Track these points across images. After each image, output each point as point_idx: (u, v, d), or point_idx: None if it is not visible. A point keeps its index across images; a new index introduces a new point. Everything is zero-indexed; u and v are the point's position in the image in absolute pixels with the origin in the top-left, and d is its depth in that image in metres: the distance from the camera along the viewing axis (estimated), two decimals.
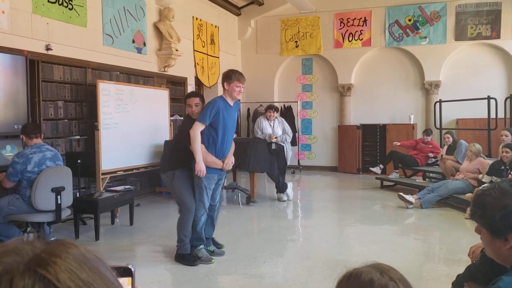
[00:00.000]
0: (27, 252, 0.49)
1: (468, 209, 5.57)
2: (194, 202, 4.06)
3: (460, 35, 9.55)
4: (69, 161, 5.53)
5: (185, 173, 4.09)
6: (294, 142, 9.44)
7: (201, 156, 3.87)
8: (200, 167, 3.86)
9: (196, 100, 4.15)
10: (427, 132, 8.27)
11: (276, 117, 7.31)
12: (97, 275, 0.49)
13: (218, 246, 4.40)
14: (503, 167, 5.74)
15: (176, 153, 4.18)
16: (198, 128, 3.88)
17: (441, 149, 7.94)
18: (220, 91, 9.96)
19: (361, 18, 10.17)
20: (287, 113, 10.37)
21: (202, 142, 3.94)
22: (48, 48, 5.53)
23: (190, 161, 3.98)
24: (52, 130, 5.75)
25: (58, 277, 0.46)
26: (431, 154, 8.06)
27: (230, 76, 3.98)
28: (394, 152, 8.23)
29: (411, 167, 8.11)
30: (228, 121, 4.01)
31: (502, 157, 5.84)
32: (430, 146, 8.14)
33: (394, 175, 8.06)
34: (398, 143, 8.35)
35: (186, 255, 4.09)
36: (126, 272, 0.63)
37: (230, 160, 4.12)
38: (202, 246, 4.11)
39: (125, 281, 0.63)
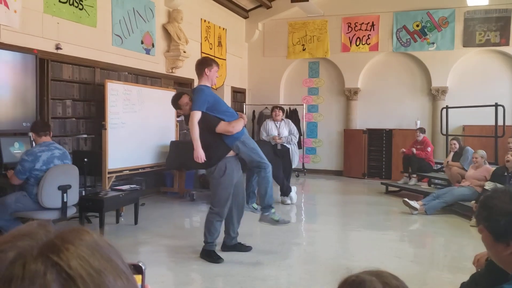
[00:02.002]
0: (41, 236, 0.50)
1: (474, 216, 5.54)
2: (227, 200, 4.14)
3: (468, 42, 9.52)
4: (76, 159, 5.54)
5: (234, 167, 4.13)
6: (299, 145, 9.43)
7: (199, 143, 3.95)
8: (199, 153, 3.95)
9: (185, 99, 4.31)
10: (421, 130, 8.23)
11: (282, 119, 7.29)
12: (108, 263, 0.50)
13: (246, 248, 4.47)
14: (506, 174, 5.71)
15: (210, 147, 4.17)
16: (195, 117, 3.95)
17: (432, 145, 8.08)
18: (226, 92, 10.01)
19: (368, 22, 10.17)
20: (292, 116, 10.36)
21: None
22: (58, 48, 5.58)
23: (224, 149, 4.07)
24: (60, 129, 5.79)
25: (70, 264, 0.47)
26: (429, 149, 8.04)
27: (211, 63, 4.18)
28: (411, 157, 8.12)
29: (428, 172, 8.05)
30: (221, 100, 4.24)
31: (506, 162, 5.80)
32: (422, 146, 8.10)
33: (413, 181, 7.97)
34: (404, 150, 8.26)
35: (211, 252, 4.18)
36: (136, 269, 0.64)
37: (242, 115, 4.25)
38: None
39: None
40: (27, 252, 0.48)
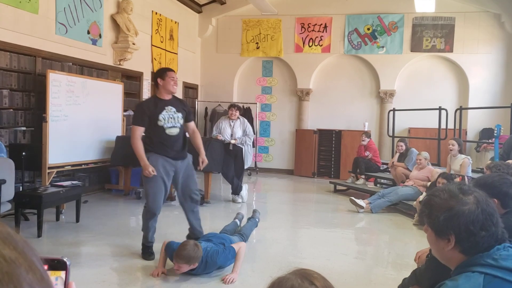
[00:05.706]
0: None
1: (416, 215, 5.73)
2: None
3: (415, 47, 9.87)
4: (12, 153, 5.25)
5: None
6: (252, 144, 9.40)
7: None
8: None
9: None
10: (367, 134, 8.41)
11: (238, 117, 7.20)
12: (21, 256, 0.46)
13: None
14: None
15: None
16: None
17: (377, 149, 8.34)
18: (178, 87, 9.80)
19: (321, 24, 10.30)
20: (246, 115, 10.32)
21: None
22: None
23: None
24: None
25: None
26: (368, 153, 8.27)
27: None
28: (360, 159, 8.30)
29: (375, 172, 8.26)
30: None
31: (438, 184, 5.36)
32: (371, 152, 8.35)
33: (361, 181, 8.14)
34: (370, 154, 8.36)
35: (144, 247, 4.12)
36: (60, 265, 0.59)
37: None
38: None
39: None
40: None
